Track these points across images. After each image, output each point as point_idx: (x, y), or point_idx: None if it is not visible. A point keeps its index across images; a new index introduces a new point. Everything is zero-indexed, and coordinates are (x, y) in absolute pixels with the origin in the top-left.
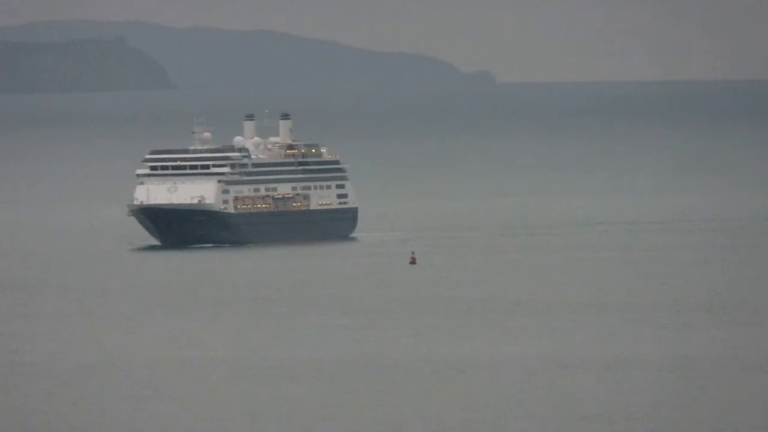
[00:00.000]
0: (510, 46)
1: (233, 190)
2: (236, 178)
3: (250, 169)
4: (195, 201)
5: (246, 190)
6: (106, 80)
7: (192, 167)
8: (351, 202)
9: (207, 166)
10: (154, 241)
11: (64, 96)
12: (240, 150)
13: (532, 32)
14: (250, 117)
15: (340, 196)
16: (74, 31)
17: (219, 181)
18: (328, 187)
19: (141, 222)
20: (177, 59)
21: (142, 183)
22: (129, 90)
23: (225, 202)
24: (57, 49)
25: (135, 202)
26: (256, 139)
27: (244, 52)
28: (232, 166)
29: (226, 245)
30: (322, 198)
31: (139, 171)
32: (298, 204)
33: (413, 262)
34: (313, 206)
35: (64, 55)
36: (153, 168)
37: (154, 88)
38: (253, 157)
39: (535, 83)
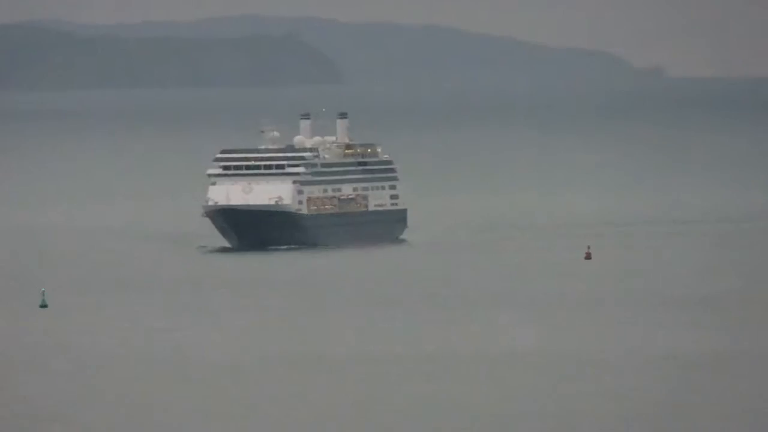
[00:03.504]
0: (682, 41)
1: (306, 190)
2: (309, 178)
3: (320, 169)
4: (272, 202)
5: (316, 191)
6: (277, 75)
7: (266, 167)
8: (401, 203)
9: (282, 166)
10: (225, 243)
11: (235, 90)
12: (311, 150)
13: (704, 27)
14: (306, 116)
15: (392, 197)
16: (247, 27)
17: (294, 182)
18: (383, 188)
19: (215, 223)
20: (348, 54)
21: (214, 183)
22: (298, 84)
23: (300, 203)
24: (230, 44)
25: (209, 203)
26: (317, 138)
27: (415, 48)
28: (306, 166)
29: (299, 246)
30: (378, 199)
31: (211, 171)
32: (359, 205)
33: (588, 257)
34: (371, 207)
35: (237, 50)
36: (225, 168)
37: (324, 83)
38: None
39: (706, 78)
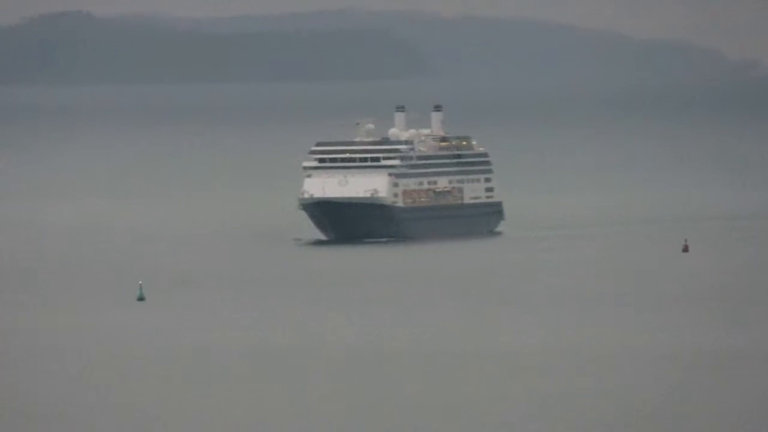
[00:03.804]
0: None
1: (402, 183)
2: (404, 171)
3: (416, 161)
4: (367, 194)
5: (412, 184)
6: (370, 69)
7: (362, 159)
8: (496, 195)
9: (377, 159)
10: (320, 236)
11: (329, 84)
12: (406, 142)
13: None
14: (401, 108)
15: (487, 189)
16: (342, 21)
17: (390, 174)
18: (478, 180)
19: (311, 216)
20: (444, 48)
21: (309, 176)
22: (392, 78)
23: (395, 195)
24: (325, 38)
25: (305, 195)
26: (412, 131)
27: (509, 41)
28: (401, 158)
29: (394, 240)
30: (473, 191)
31: (306, 163)
32: (454, 197)
33: (686, 249)
34: (466, 200)
35: (332, 44)
36: (321, 160)
37: (420, 77)
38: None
39: None
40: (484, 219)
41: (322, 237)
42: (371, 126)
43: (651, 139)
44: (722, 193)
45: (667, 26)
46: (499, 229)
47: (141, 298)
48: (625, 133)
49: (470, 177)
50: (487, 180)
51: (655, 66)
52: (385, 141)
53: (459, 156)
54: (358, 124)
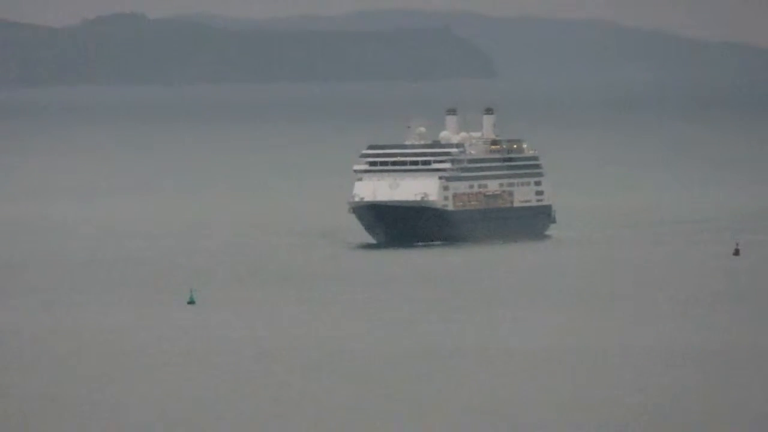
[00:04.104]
0: None
1: (452, 186)
2: (455, 174)
3: (466, 165)
4: (418, 198)
5: (462, 187)
6: (430, 69)
7: (412, 162)
8: (547, 198)
9: (428, 162)
10: (369, 239)
11: (385, 85)
12: (457, 146)
13: None
14: (452, 111)
15: (537, 192)
16: (400, 21)
17: (440, 178)
18: (527, 183)
19: (361, 219)
20: (503, 49)
21: (360, 179)
22: (452, 78)
23: (446, 198)
24: (382, 38)
25: (355, 199)
26: (463, 134)
27: (571, 42)
28: (452, 162)
29: (445, 242)
30: (524, 195)
31: (357, 167)
32: (504, 201)
33: (737, 253)
34: (516, 203)
35: (389, 44)
36: (372, 164)
37: (479, 77)
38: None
39: None
40: (534, 222)
41: (372, 240)
42: (422, 129)
43: (705, 138)
44: None
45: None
46: (549, 232)
47: (191, 302)
48: (678, 133)
49: (520, 180)
50: (537, 183)
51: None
52: (436, 144)
53: (510, 159)
54: (408, 127)
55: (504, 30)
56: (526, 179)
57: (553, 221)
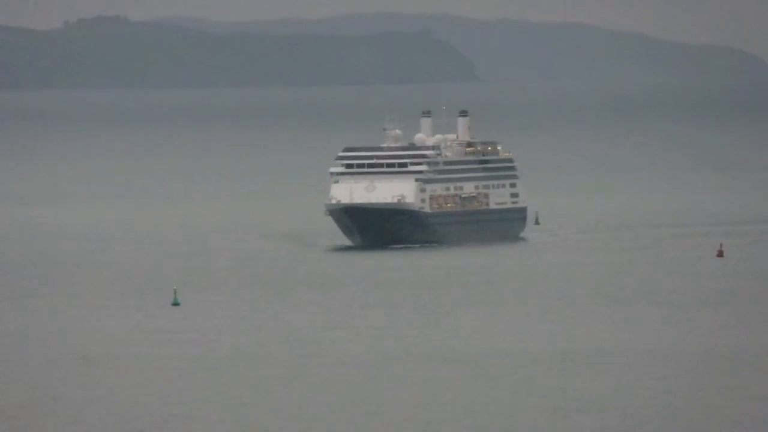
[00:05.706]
0: None
1: (428, 188)
2: (431, 176)
3: (442, 167)
4: (395, 200)
5: (439, 189)
6: (411, 72)
7: (389, 165)
8: (522, 201)
9: (404, 164)
10: (346, 242)
11: (364, 88)
12: (433, 148)
13: None
14: (427, 114)
15: (512, 195)
16: (381, 24)
17: (416, 180)
18: (503, 186)
19: (338, 221)
20: (483, 52)
21: (336, 181)
22: (432, 82)
23: (422, 201)
24: (363, 42)
25: (332, 201)
26: (438, 136)
27: (551, 45)
28: (428, 164)
29: (422, 245)
30: (499, 197)
31: (333, 169)
32: (480, 203)
33: (720, 255)
34: (491, 205)
35: (370, 47)
36: (348, 166)
37: (460, 80)
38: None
39: None
40: (509, 225)
41: (348, 243)
42: (398, 132)
43: (688, 141)
44: (760, 198)
45: (703, 30)
46: (523, 234)
47: (176, 303)
48: (661, 136)
49: (496, 183)
50: (513, 185)
51: (692, 69)
52: (412, 147)
53: (485, 161)
54: (385, 129)
55: (484, 33)
56: (501, 181)
57: (536, 223)
